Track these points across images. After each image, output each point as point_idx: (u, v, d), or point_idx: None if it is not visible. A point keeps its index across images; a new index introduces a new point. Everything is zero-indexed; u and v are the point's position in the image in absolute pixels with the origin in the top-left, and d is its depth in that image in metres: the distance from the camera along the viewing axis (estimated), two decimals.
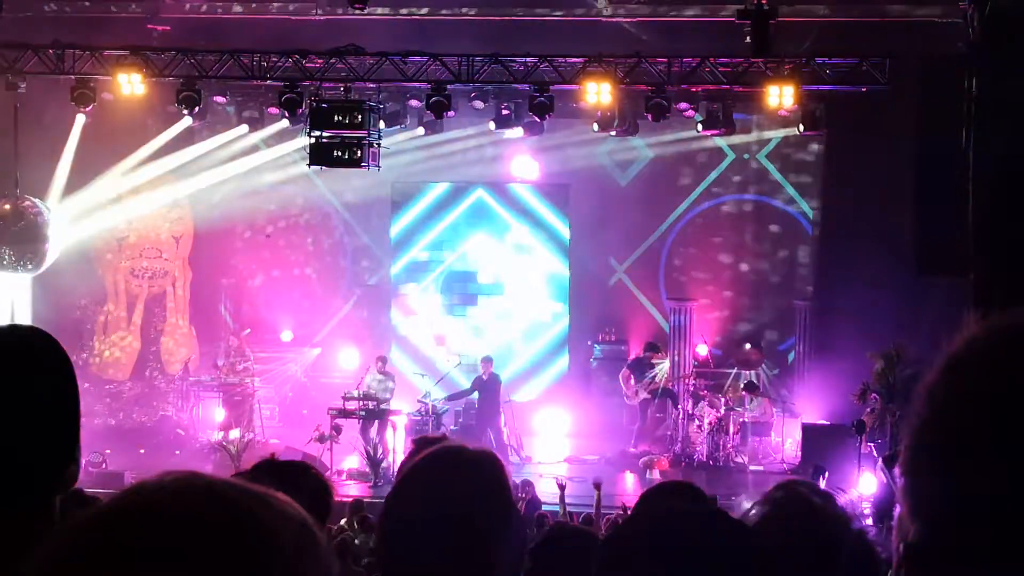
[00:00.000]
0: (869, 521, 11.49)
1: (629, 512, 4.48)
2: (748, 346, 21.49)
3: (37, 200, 19.90)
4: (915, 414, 1.34)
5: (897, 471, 1.37)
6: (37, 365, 2.32)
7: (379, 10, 19.41)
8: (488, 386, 19.78)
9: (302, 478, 3.64)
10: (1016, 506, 1.21)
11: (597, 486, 14.04)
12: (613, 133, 19.62)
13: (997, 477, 1.23)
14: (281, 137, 21.16)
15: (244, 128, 21.15)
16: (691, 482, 3.26)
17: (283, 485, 3.56)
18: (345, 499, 15.34)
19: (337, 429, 18.85)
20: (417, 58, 18.43)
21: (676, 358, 21.52)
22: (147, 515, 1.21)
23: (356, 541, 11.93)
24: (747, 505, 2.73)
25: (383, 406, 19.05)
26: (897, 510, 1.39)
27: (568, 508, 14.38)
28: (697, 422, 20.06)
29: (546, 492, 15.83)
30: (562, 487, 14.56)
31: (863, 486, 16.09)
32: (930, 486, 1.30)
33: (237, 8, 20.56)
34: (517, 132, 20.38)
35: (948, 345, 1.35)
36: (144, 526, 1.20)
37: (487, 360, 20.15)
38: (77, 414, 2.36)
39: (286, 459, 3.85)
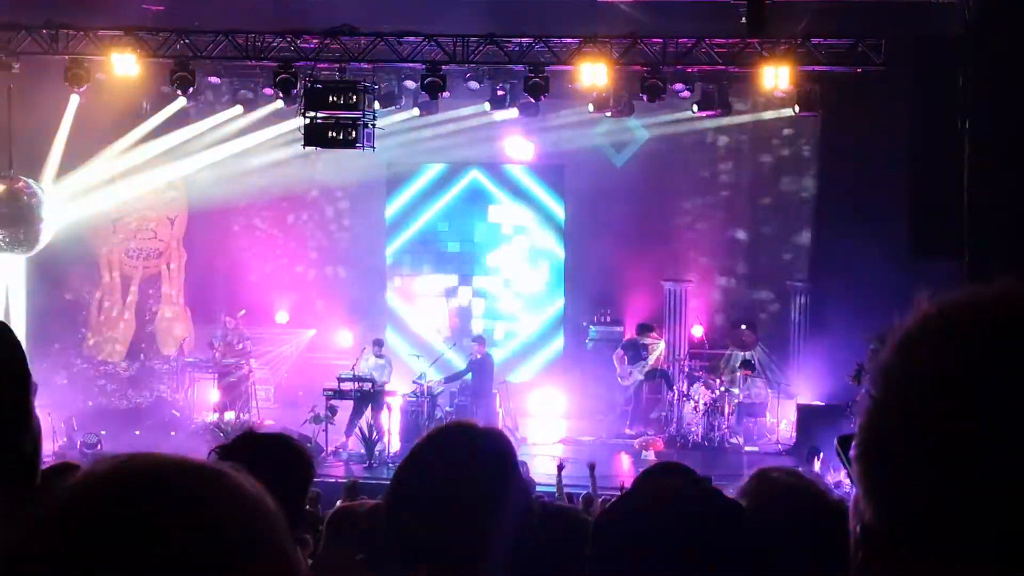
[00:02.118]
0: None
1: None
2: (743, 327, 21.50)
3: (31, 181, 19.86)
4: (868, 394, 1.33)
5: (852, 452, 1.36)
6: None
7: None
8: (481, 366, 19.79)
9: (281, 450, 3.65)
10: (972, 487, 1.21)
11: (592, 467, 14.06)
12: (608, 114, 19.63)
13: (951, 458, 1.22)
14: (276, 118, 21.07)
15: (238, 109, 21.12)
16: (683, 463, 3.27)
17: (262, 458, 3.59)
18: (340, 480, 15.34)
19: (332, 410, 18.88)
20: (412, 38, 18.39)
21: (671, 339, 21.53)
22: (90, 512, 1.24)
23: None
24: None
25: (379, 388, 19.10)
26: (852, 492, 1.38)
27: (565, 489, 14.38)
28: (692, 403, 20.09)
29: (541, 473, 15.85)
30: (560, 467, 14.57)
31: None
32: (885, 468, 1.29)
33: None
34: (512, 113, 20.36)
35: (901, 324, 1.35)
36: (87, 525, 1.23)
37: (479, 340, 20.17)
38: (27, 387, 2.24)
39: (266, 432, 3.87)
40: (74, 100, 19.96)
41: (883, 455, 1.29)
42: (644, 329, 21.17)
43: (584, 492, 13.90)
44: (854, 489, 1.37)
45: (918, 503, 1.24)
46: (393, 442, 18.71)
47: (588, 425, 20.91)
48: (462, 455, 2.64)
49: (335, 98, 18.24)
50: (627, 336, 21.65)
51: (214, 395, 20.60)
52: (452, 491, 2.57)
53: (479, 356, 19.86)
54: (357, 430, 18.81)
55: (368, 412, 19.04)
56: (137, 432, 19.94)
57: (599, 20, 18.76)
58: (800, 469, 2.81)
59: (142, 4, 19.99)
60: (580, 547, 3.72)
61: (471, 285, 23.34)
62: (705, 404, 19.85)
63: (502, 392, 20.09)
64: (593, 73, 18.01)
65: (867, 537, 1.32)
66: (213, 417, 20.07)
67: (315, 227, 23.88)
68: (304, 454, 3.72)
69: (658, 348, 21.02)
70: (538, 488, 14.49)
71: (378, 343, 19.98)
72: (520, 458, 15.77)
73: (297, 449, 3.71)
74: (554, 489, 14.25)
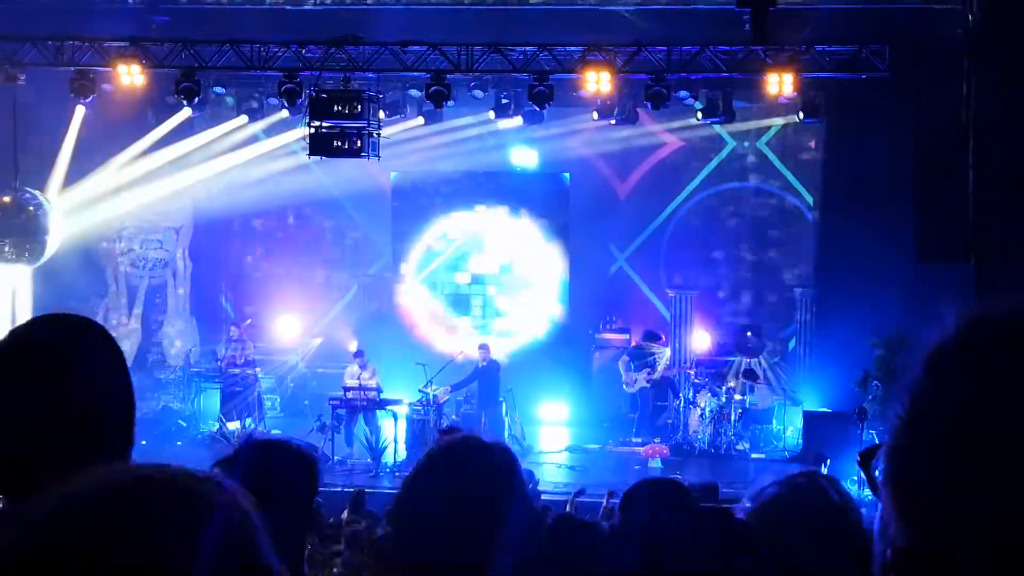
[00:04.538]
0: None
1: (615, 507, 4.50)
2: (749, 333, 21.48)
3: (37, 192, 19.92)
4: (897, 415, 1.31)
5: (878, 472, 1.34)
6: (94, 352, 2.46)
7: None
8: (486, 373, 19.77)
9: (286, 455, 3.64)
10: (1007, 511, 1.19)
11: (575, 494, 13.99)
12: (613, 121, 19.63)
13: (985, 481, 1.20)
14: (281, 127, 21.12)
15: (244, 119, 21.15)
16: (672, 479, 3.27)
17: (264, 464, 3.59)
18: (346, 489, 15.33)
19: (338, 419, 18.87)
20: (416, 47, 18.41)
21: (677, 346, 21.52)
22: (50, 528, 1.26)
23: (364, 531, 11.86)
24: (764, 483, 2.74)
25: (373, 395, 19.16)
26: (878, 511, 1.36)
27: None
28: (698, 410, 20.06)
29: (547, 482, 15.84)
30: (581, 493, 14.42)
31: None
32: (917, 491, 1.27)
33: None
34: (517, 121, 20.38)
35: (929, 341, 1.32)
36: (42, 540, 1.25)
37: (484, 347, 20.15)
38: (132, 400, 2.47)
39: (266, 438, 3.86)
40: (79, 111, 20.02)
41: (914, 478, 1.28)
42: (649, 336, 21.16)
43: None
44: (879, 509, 1.36)
45: (951, 527, 1.23)
46: (399, 451, 18.69)
47: (594, 433, 20.90)
48: (466, 471, 2.64)
49: (340, 107, 18.26)
50: (632, 343, 21.63)
51: (220, 405, 20.59)
52: (457, 508, 2.58)
53: (484, 364, 19.85)
54: (363, 439, 18.80)
55: (362, 421, 19.09)
56: (143, 442, 19.75)
57: (603, 28, 18.78)
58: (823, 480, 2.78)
59: (147, 15, 20.05)
60: (593, 558, 3.74)
61: (476, 293, 23.33)
62: (711, 411, 19.82)
63: (508, 400, 20.07)
64: (597, 81, 18.01)
65: (898, 562, 1.31)
66: (218, 426, 20.08)
67: (320, 236, 23.89)
68: (306, 458, 3.70)
69: (663, 355, 20.99)
70: (544, 497, 14.49)
71: (358, 354, 19.98)
72: (526, 467, 15.78)
73: (299, 454, 3.69)
74: (558, 497, 14.22)
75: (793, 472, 2.82)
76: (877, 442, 1.39)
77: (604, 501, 13.69)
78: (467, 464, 2.67)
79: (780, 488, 2.72)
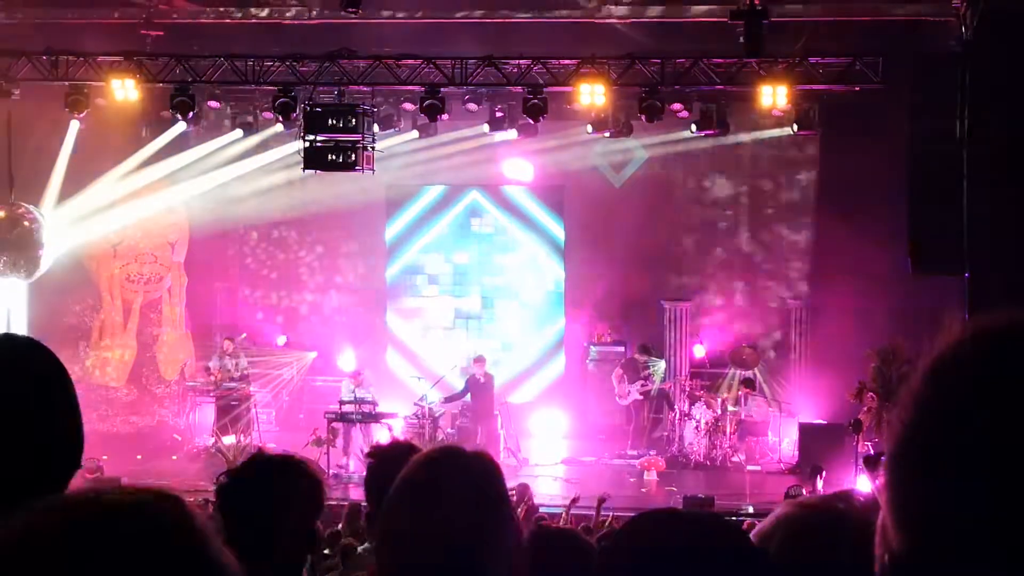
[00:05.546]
0: None
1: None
2: (744, 345, 21.49)
3: (31, 206, 19.88)
4: (899, 421, 1.31)
5: (879, 476, 1.34)
6: (37, 374, 2.38)
7: (372, 13, 19.39)
8: (481, 385, 19.76)
9: (293, 474, 3.65)
10: (1005, 519, 1.19)
11: (600, 501, 13.95)
12: (607, 134, 19.66)
13: (985, 489, 1.20)
14: (275, 141, 21.12)
15: (238, 133, 21.14)
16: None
17: (271, 480, 3.60)
18: (341, 502, 15.29)
19: (333, 432, 18.85)
20: (410, 61, 18.44)
21: (672, 358, 21.52)
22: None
23: (359, 549, 11.82)
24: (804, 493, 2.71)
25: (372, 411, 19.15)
26: (880, 517, 1.36)
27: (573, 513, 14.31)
28: (693, 423, 20.06)
29: (544, 495, 15.82)
30: (575, 500, 14.43)
31: (860, 486, 16.08)
32: (917, 496, 1.27)
33: (230, 12, 20.50)
34: (511, 134, 20.40)
35: (931, 349, 1.32)
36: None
37: (479, 359, 20.13)
38: (79, 419, 2.37)
39: (277, 454, 3.84)
40: (74, 126, 19.99)
41: (914, 484, 1.28)
42: (644, 349, 21.15)
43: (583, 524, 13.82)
44: (880, 515, 1.36)
45: (951, 533, 1.23)
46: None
47: (590, 445, 20.89)
48: (447, 486, 2.61)
49: (334, 121, 18.27)
50: (627, 355, 21.62)
51: (215, 419, 20.57)
52: (441, 524, 2.55)
53: (480, 377, 19.84)
54: (358, 451, 18.79)
55: (359, 433, 19.11)
56: (138, 456, 19.92)
57: (597, 41, 18.79)
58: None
59: (141, 29, 20.04)
60: (578, 568, 3.72)
61: (471, 306, 23.33)
62: (706, 423, 19.82)
63: (503, 413, 20.06)
64: (591, 94, 18.03)
65: (896, 566, 1.31)
66: (212, 440, 20.05)
67: (315, 249, 23.89)
68: (314, 476, 3.71)
69: (658, 368, 20.99)
70: (541, 509, 14.46)
71: (356, 375, 19.94)
72: (522, 480, 15.78)
73: (307, 472, 3.70)
74: (556, 510, 14.21)
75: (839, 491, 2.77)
76: (872, 452, 1.40)
77: (596, 511, 13.70)
78: (452, 479, 2.63)
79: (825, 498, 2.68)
